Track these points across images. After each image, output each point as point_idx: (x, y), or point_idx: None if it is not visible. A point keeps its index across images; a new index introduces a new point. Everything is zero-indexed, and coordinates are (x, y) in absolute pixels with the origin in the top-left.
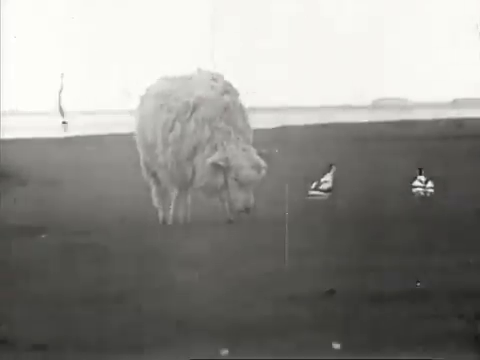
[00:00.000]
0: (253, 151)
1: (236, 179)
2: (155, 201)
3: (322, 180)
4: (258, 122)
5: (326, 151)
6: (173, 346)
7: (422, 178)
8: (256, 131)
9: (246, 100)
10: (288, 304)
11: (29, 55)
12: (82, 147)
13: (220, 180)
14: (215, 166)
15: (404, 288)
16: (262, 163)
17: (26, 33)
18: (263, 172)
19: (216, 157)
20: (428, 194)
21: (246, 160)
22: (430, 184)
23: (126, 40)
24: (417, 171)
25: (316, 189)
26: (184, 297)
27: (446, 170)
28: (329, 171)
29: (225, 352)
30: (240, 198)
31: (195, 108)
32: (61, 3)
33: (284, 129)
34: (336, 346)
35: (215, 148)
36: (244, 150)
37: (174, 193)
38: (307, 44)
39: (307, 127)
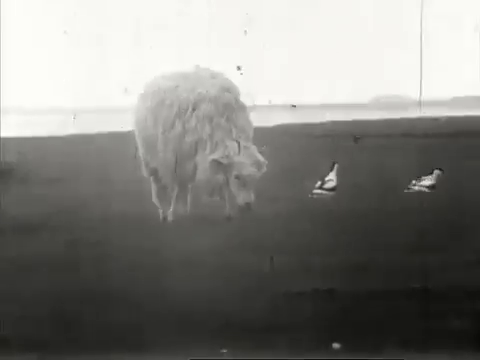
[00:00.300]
0: (254, 148)
1: (237, 177)
2: (155, 198)
3: (326, 179)
4: (258, 120)
5: (325, 149)
6: (173, 345)
7: (424, 177)
8: (256, 129)
9: (246, 98)
10: (288, 302)
11: (30, 52)
12: (83, 145)
13: (221, 177)
14: (216, 163)
15: (404, 287)
16: (263, 160)
17: (26, 30)
18: (264, 168)
19: (217, 154)
20: (414, 190)
21: (247, 157)
22: (425, 182)
23: (126, 38)
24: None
25: (320, 188)
26: (184, 295)
27: (447, 168)
28: (332, 169)
29: (224, 351)
30: (241, 195)
31: (196, 105)
32: (61, 1)
33: (283, 127)
34: (336, 346)
35: (216, 145)
36: (245, 147)
37: (174, 190)
38: (307, 42)
39: (306, 125)
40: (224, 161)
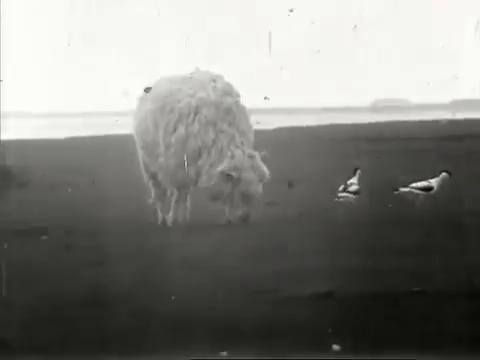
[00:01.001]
0: (258, 157)
1: (245, 192)
2: (154, 202)
3: (349, 183)
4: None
5: (327, 152)
6: (173, 347)
7: (423, 180)
8: (256, 132)
9: (246, 101)
10: (287, 305)
11: (29, 55)
12: (82, 148)
13: (228, 188)
14: (225, 175)
15: (404, 289)
16: (267, 174)
17: (26, 33)
18: (265, 179)
19: (226, 166)
20: (405, 192)
21: (253, 171)
22: (418, 184)
23: (126, 42)
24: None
25: (345, 191)
26: (184, 298)
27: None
28: (354, 174)
29: (224, 354)
30: (243, 208)
31: (198, 110)
32: (61, 4)
33: (283, 130)
34: (336, 347)
35: (221, 152)
36: (250, 157)
37: (173, 194)
38: (308, 45)
39: (307, 128)
40: (234, 175)
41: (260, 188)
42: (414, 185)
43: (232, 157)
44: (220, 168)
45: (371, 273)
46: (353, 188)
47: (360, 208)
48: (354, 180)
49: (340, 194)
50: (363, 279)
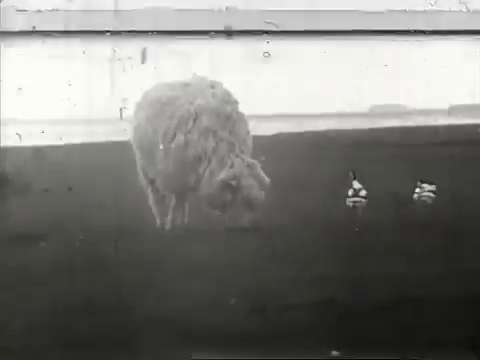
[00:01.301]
0: (257, 165)
1: (246, 199)
2: (153, 208)
3: (356, 187)
4: (256, 129)
5: (325, 158)
6: (172, 353)
7: (425, 185)
8: (254, 138)
9: (245, 107)
10: (287, 311)
11: (29, 61)
12: (82, 154)
13: (229, 196)
14: (225, 184)
15: (402, 295)
16: (267, 181)
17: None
18: (266, 188)
19: (226, 175)
20: (425, 199)
21: (254, 178)
22: (430, 188)
23: (125, 46)
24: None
25: (356, 196)
26: (183, 304)
27: (445, 176)
28: (355, 178)
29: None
30: (246, 216)
31: (197, 117)
32: (61, 4)
33: (281, 136)
34: (335, 353)
35: (222, 161)
36: (249, 166)
37: (172, 199)
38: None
39: (305, 133)
40: (234, 183)
41: (262, 194)
42: (425, 186)
43: (231, 166)
44: (220, 177)
45: (371, 280)
46: (363, 192)
47: (363, 215)
48: (358, 184)
49: (352, 199)
50: (363, 285)
